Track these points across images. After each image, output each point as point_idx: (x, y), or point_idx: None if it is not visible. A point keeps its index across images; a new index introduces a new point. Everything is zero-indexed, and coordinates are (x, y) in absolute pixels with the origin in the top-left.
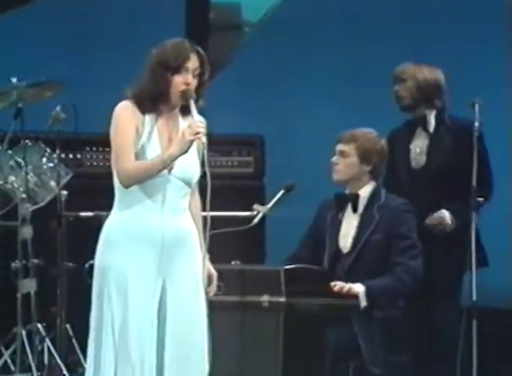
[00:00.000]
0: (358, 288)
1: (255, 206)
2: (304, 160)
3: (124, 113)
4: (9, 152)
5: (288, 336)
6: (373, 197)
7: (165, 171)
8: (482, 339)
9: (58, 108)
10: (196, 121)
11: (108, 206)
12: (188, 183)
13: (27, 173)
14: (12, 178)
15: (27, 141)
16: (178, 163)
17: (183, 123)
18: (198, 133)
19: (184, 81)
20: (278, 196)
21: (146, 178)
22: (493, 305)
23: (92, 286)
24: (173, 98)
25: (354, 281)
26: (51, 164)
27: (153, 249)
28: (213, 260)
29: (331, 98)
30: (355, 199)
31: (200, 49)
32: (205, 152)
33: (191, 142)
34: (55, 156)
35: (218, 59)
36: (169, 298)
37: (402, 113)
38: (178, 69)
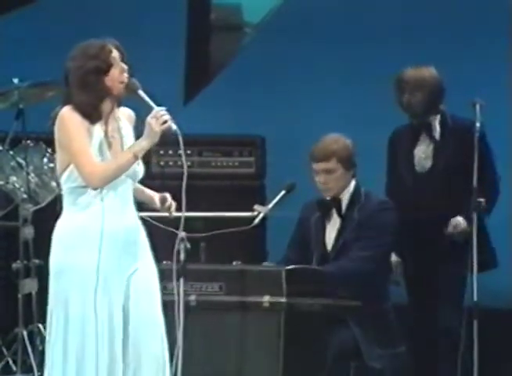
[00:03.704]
0: None
1: (256, 206)
2: (304, 160)
3: (74, 119)
4: (11, 152)
5: (289, 336)
6: (354, 198)
7: None
8: (483, 339)
9: (59, 109)
10: (158, 110)
11: None
12: (135, 180)
13: (28, 173)
14: (13, 178)
15: (28, 141)
16: None
17: (123, 118)
18: (166, 122)
19: (120, 70)
20: (279, 196)
21: (117, 177)
22: (494, 306)
23: (49, 290)
24: (116, 92)
25: None
26: (52, 165)
27: (107, 248)
28: (214, 260)
29: (331, 98)
30: (338, 204)
31: (109, 39)
32: (180, 138)
33: (161, 132)
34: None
35: (219, 60)
36: (131, 296)
37: (402, 113)
38: (108, 65)
